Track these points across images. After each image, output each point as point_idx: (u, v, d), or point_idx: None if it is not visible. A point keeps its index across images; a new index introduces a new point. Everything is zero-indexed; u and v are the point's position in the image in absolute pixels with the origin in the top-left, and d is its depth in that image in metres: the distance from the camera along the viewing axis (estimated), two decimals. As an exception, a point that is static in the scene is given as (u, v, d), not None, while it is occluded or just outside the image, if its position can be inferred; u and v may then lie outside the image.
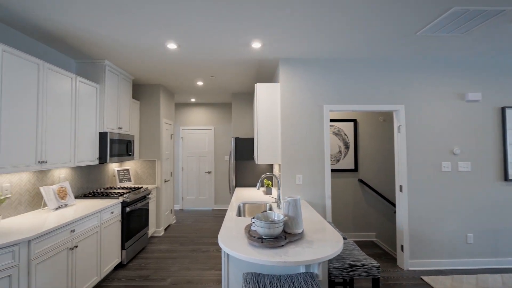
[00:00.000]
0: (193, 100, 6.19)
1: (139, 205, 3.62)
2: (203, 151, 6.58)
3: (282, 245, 1.70)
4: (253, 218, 1.91)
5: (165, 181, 4.86)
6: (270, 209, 3.12)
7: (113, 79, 3.58)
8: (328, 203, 3.24)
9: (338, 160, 4.25)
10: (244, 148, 4.38)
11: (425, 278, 3.00)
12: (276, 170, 3.91)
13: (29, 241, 1.94)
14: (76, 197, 3.28)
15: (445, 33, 2.61)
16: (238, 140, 4.38)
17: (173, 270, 3.25)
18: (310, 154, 3.29)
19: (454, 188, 3.29)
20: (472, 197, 3.29)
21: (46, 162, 2.45)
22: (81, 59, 3.35)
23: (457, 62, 3.35)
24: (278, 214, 1.90)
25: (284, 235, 1.77)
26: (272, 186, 4.14)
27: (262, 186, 4.21)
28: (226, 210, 6.37)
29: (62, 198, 2.84)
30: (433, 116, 3.32)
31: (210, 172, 6.54)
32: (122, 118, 3.83)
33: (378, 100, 3.33)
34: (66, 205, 2.86)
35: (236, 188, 4.26)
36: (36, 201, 2.73)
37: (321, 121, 3.30)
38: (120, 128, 3.73)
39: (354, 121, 4.29)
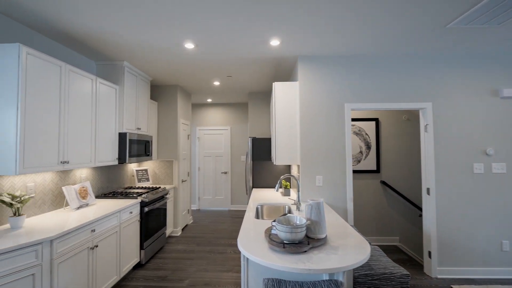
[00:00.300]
0: (209, 100, 6.19)
1: (157, 205, 3.64)
2: (220, 151, 6.57)
3: (305, 251, 1.62)
4: (274, 221, 1.83)
5: (182, 181, 4.88)
6: (289, 212, 3.03)
7: (132, 80, 3.61)
8: (350, 205, 3.11)
9: (359, 161, 4.09)
10: (261, 149, 4.31)
11: (455, 287, 2.81)
12: (294, 171, 3.81)
13: (51, 241, 1.96)
14: (97, 197, 3.33)
15: (479, 24, 2.42)
16: (255, 140, 4.32)
17: (190, 271, 3.23)
18: (330, 154, 3.17)
19: (487, 191, 3.07)
20: (507, 201, 3.05)
21: (68, 162, 2.49)
22: (101, 61, 3.41)
23: (490, 55, 3.12)
24: (300, 218, 1.81)
25: (307, 240, 1.68)
26: (291, 188, 4.04)
27: (280, 187, 4.12)
28: (242, 211, 6.33)
29: (83, 198, 2.88)
30: (464, 114, 3.11)
31: (227, 173, 6.53)
32: (141, 119, 3.86)
33: (403, 98, 3.16)
34: (87, 205, 2.91)
35: (253, 189, 4.20)
36: (58, 200, 2.78)
37: (342, 120, 3.18)
38: (138, 128, 3.76)
39: (376, 120, 4.11)
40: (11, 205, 2.08)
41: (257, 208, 2.96)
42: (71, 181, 2.97)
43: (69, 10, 2.17)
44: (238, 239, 1.86)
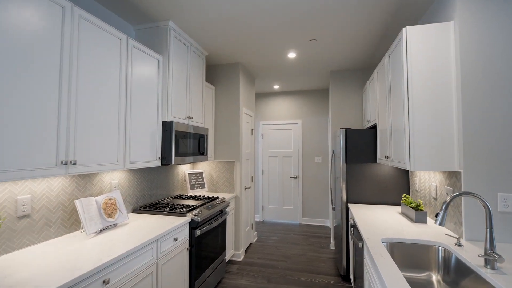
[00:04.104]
0: (276, 87, 5.01)
1: (214, 223, 2.57)
2: (288, 151, 5.34)
3: None
4: None
5: (245, 188, 3.78)
6: (447, 259, 1.60)
7: (181, 51, 2.63)
8: None
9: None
10: (359, 145, 2.92)
11: None
12: (431, 181, 2.30)
13: (5, 322, 0.97)
14: (134, 211, 2.41)
15: None
16: (350, 134, 2.94)
17: (263, 337, 2.05)
18: (535, 153, 1.62)
19: None
20: None
21: (74, 163, 1.54)
22: (140, 24, 2.50)
23: None
24: None
25: None
26: (423, 209, 2.50)
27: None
28: (319, 227, 4.96)
29: (110, 215, 1.95)
30: None
31: (297, 177, 5.25)
32: (193, 106, 2.87)
33: None
34: (114, 225, 1.97)
35: (349, 204, 2.82)
36: (75, 218, 1.89)
37: (561, 85, 1.60)
38: (190, 118, 2.77)
39: None
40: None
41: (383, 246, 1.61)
42: (96, 190, 2.07)
43: None
44: None
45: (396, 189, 2.81)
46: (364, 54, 3.29)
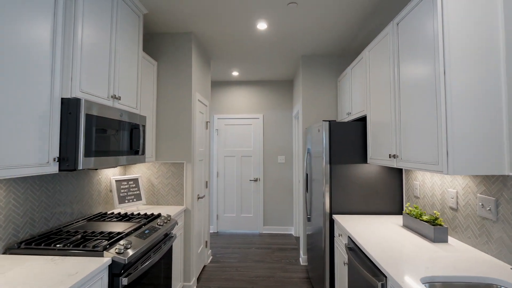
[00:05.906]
0: (235, 74, 4.25)
1: (154, 257, 1.70)
2: (247, 150, 4.63)
3: None
4: None
5: (199, 197, 2.94)
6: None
7: (101, -7, 1.69)
8: None
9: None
10: (343, 142, 2.36)
11: None
12: (437, 185, 1.81)
13: None
14: (9, 250, 1.40)
15: None
16: (334, 128, 2.36)
17: None
18: None
19: None
20: None
21: None
22: None
23: None
24: None
25: None
26: (443, 224, 1.94)
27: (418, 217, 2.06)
28: (281, 236, 4.36)
29: None
30: None
31: (257, 180, 4.57)
32: (122, 81, 1.94)
33: None
34: None
35: (336, 216, 2.24)
36: None
37: None
38: (115, 98, 1.84)
39: None
40: None
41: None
42: None
43: None
44: None
45: (388, 194, 2.32)
46: (345, 34, 2.77)
